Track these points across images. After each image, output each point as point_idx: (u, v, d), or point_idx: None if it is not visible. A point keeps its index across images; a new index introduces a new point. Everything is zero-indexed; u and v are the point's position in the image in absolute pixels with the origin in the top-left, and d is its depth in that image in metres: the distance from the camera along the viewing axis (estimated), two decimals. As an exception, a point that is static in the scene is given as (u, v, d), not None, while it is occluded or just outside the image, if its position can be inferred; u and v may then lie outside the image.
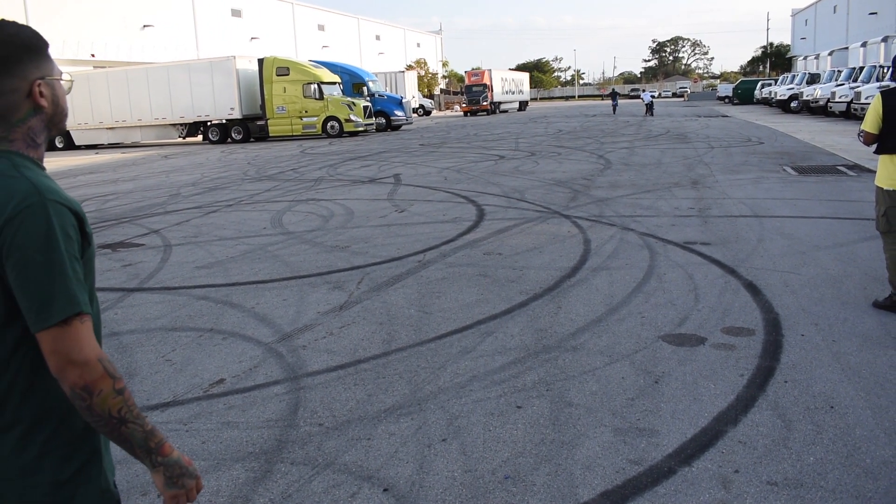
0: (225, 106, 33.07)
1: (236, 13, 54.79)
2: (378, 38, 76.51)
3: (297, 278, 7.20)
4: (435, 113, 67.02)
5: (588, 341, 5.08)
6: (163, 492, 1.56)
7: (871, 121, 5.60)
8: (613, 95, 51.21)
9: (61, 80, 1.63)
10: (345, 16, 70.80)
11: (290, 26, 60.98)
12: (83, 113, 35.38)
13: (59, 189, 1.54)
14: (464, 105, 56.21)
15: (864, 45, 35.49)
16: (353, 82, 36.89)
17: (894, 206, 5.57)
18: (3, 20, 1.57)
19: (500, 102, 57.73)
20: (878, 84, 25.25)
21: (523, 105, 65.81)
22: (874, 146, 5.70)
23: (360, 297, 6.45)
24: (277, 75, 32.41)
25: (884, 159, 5.68)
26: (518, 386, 4.38)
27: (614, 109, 47.88)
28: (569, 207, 10.55)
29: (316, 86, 32.15)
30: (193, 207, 12.39)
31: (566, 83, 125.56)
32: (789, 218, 9.21)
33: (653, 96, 44.82)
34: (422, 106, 60.43)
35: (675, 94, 64.57)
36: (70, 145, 36.44)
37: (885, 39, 32.28)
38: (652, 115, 40.71)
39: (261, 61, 32.92)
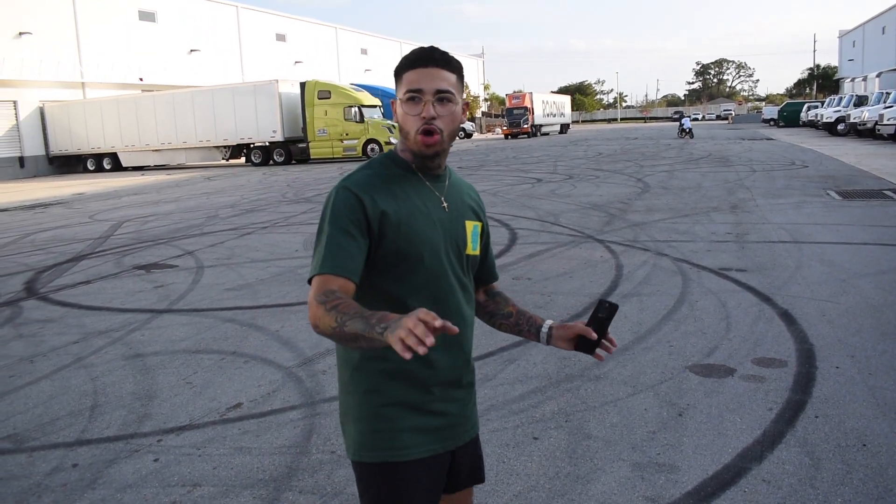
0: (267, 129, 33.60)
1: (280, 37, 55.80)
2: (420, 61, 77.12)
3: (324, 301, 7.17)
4: (476, 136, 67.24)
5: (612, 371, 4.94)
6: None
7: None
8: (681, 118, 51.27)
9: (401, 100, 1.85)
10: (387, 39, 71.62)
11: (334, 50, 61.87)
12: (130, 135, 36.31)
13: (367, 181, 1.86)
14: (504, 128, 56.28)
15: (913, 66, 34.63)
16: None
17: (936, 234, 5.35)
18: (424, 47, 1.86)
19: (540, 125, 57.69)
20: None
21: (564, 128, 65.65)
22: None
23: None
24: (319, 98, 32.86)
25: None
26: (537, 416, 4.27)
27: (682, 133, 42.84)
28: (603, 232, 10.41)
29: (357, 109, 32.49)
30: (229, 229, 12.52)
31: (608, 106, 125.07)
32: (830, 244, 8.94)
33: (694, 120, 44.03)
34: (463, 129, 60.64)
35: (719, 117, 63.73)
36: (117, 167, 37.33)
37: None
38: (692, 137, 40.91)
39: (303, 85, 33.41)
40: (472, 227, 1.96)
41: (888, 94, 31.95)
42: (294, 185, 21.62)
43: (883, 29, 61.79)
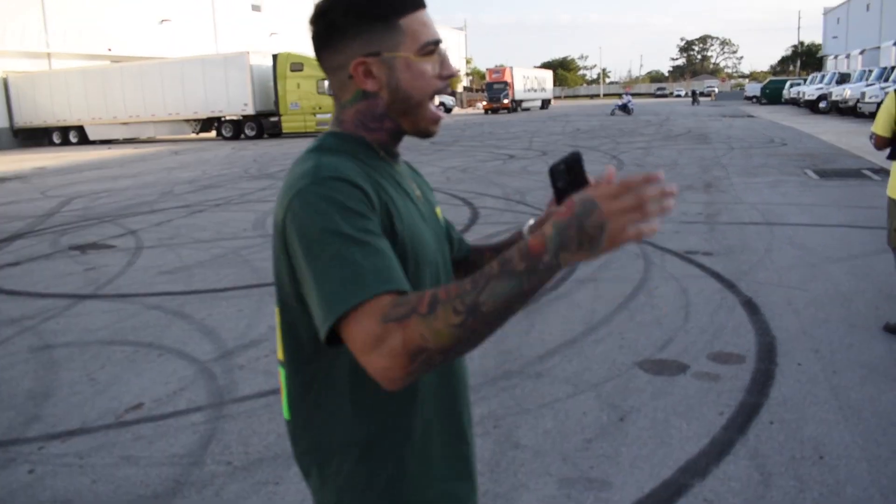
0: (238, 102, 32.73)
1: (256, 8, 54.51)
2: (400, 34, 75.97)
3: (260, 286, 6.70)
4: (457, 110, 66.43)
5: (556, 367, 4.51)
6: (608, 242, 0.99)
7: (883, 122, 4.97)
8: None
9: (413, 57, 1.25)
10: (367, 12, 70.32)
11: (311, 22, 60.63)
12: (97, 108, 35.29)
13: (350, 169, 1.19)
14: (485, 103, 55.59)
15: (895, 44, 34.36)
16: (369, 79, 36.39)
17: (908, 219, 4.95)
18: None
19: (521, 100, 57.02)
20: (907, 84, 24.29)
21: (546, 103, 65.00)
22: (886, 151, 5.07)
23: (319, 308, 5.93)
24: (291, 71, 32.00)
25: (897, 166, 5.06)
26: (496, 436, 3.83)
27: (617, 110, 44.06)
28: (568, 211, 9.95)
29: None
30: (181, 206, 11.96)
31: (592, 81, 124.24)
32: (803, 226, 8.55)
33: (630, 97, 45.74)
34: (442, 103, 59.74)
35: (701, 94, 63.45)
36: (84, 140, 36.38)
37: (917, 38, 31.18)
38: (629, 114, 41.95)
39: (275, 57, 32.53)
40: (440, 213, 1.48)
41: (870, 71, 31.62)
42: (261, 160, 21.00)
43: (867, 6, 61.46)
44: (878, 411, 3.78)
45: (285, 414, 1.33)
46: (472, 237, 8.40)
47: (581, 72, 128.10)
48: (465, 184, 13.25)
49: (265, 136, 33.52)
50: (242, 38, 49.65)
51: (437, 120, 1.31)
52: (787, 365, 4.43)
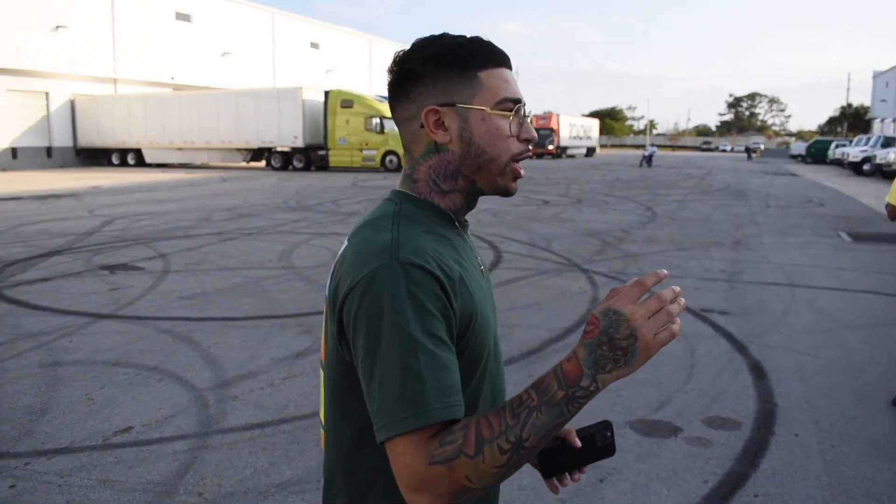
0: (289, 134, 33.47)
1: (314, 45, 55.92)
2: (453, 76, 77.00)
3: (272, 318, 6.78)
4: (503, 153, 66.77)
5: (543, 419, 4.46)
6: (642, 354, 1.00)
7: (897, 191, 4.89)
8: (749, 151, 55.65)
9: (493, 112, 1.20)
10: (421, 53, 71.52)
11: (367, 60, 61.91)
12: (155, 133, 36.43)
13: (431, 248, 1.13)
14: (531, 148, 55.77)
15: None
16: (417, 118, 36.86)
17: (923, 291, 4.82)
18: (444, 34, 1.24)
19: (566, 147, 57.16)
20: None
21: (591, 151, 65.01)
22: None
23: (324, 344, 5.97)
24: (342, 107, 32.66)
25: (913, 236, 4.94)
26: (440, 468, 3.81)
27: (642, 162, 43.97)
28: (592, 261, 9.91)
29: (378, 119, 32.25)
30: (215, 233, 12.21)
31: (639, 132, 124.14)
32: (826, 289, 8.36)
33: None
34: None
35: (747, 150, 62.83)
36: (141, 163, 37.46)
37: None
38: (650, 166, 42.08)
39: (327, 93, 33.26)
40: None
41: (923, 136, 31.01)
42: (302, 192, 21.35)
43: (921, 70, 60.55)
44: (869, 491, 3.65)
45: (324, 474, 1.31)
46: (495, 279, 8.38)
47: (628, 122, 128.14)
48: (494, 227, 13.28)
49: (312, 168, 34.12)
50: (299, 74, 51.01)
51: (517, 177, 1.24)
52: (783, 435, 4.32)
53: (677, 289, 1.00)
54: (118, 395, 4.84)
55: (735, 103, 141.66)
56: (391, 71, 1.23)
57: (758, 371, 5.46)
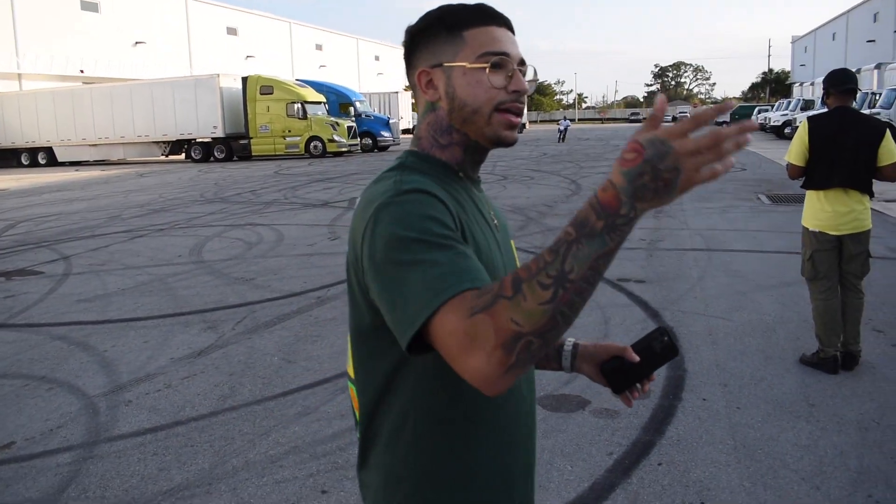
0: (208, 124, 32.53)
1: (232, 31, 54.51)
2: (377, 58, 76.25)
3: (175, 316, 6.48)
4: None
5: (450, 403, 4.33)
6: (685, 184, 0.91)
7: (797, 151, 4.87)
8: (674, 120, 52.16)
9: (473, 66, 1.24)
10: (343, 36, 70.55)
11: (287, 45, 60.71)
12: (67, 130, 34.96)
13: (433, 186, 1.17)
14: (459, 126, 55.71)
15: (857, 71, 34.86)
16: (340, 102, 36.28)
17: (822, 250, 4.84)
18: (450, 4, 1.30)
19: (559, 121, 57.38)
20: (868, 111, 24.54)
21: (521, 128, 65.33)
22: (801, 180, 4.98)
23: (228, 340, 5.72)
24: (261, 94, 31.88)
25: (810, 196, 4.96)
26: (339, 462, 3.64)
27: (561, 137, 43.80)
28: (513, 237, 9.80)
29: (300, 105, 31.61)
30: (123, 231, 11.70)
31: (568, 106, 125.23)
32: (743, 252, 8.47)
33: (569, 123, 44.27)
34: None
35: (674, 119, 64.02)
36: (53, 161, 35.95)
37: (878, 66, 31.64)
38: (563, 141, 40.36)
39: (244, 79, 32.42)
40: (514, 246, 1.45)
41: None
42: (222, 183, 20.76)
43: (833, 35, 62.59)
44: (772, 452, 3.63)
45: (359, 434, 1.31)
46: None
47: (557, 97, 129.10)
48: (418, 208, 13.08)
49: (235, 158, 33.29)
50: (218, 61, 49.64)
51: (508, 126, 1.26)
52: (691, 400, 4.29)
53: (750, 124, 0.90)
54: (2, 409, 4.52)
55: (661, 73, 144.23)
56: (403, 43, 1.32)
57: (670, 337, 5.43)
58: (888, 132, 4.72)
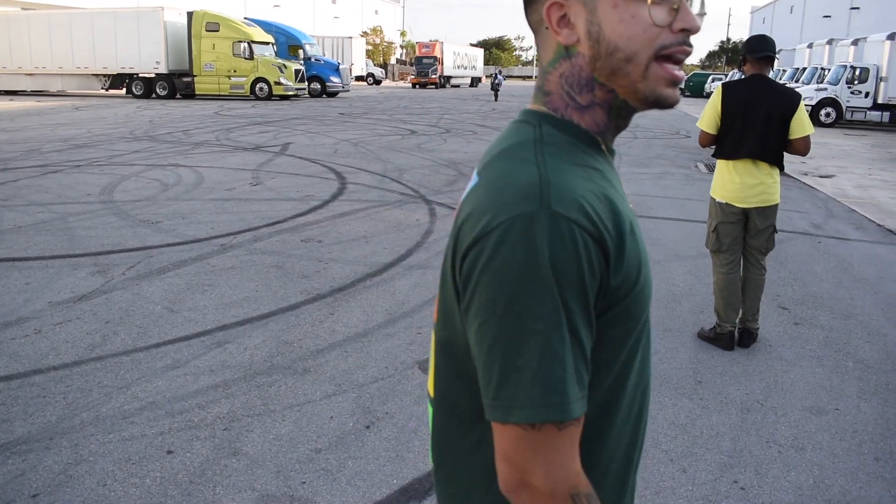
0: (150, 59, 31.31)
1: (182, -37, 52.36)
2: (334, 1, 74.37)
3: (67, 257, 6.15)
4: (386, 83, 65.56)
5: (328, 363, 4.16)
6: None
7: (709, 118, 4.72)
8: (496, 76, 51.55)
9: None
10: (300, -25, 68.54)
11: (242, -19, 58.67)
12: (2, 57, 33.35)
13: (589, 193, 0.90)
14: (412, 77, 54.92)
15: (809, 45, 35.18)
16: (290, 44, 35.29)
17: (727, 222, 4.74)
18: None
19: (450, 77, 56.63)
20: (815, 86, 24.79)
21: (476, 81, 64.75)
22: (711, 149, 4.85)
23: (115, 285, 5.44)
24: (207, 31, 30.73)
25: (720, 165, 4.83)
26: (195, 420, 3.44)
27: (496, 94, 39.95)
28: (440, 192, 9.62)
29: (246, 44, 30.59)
30: (38, 165, 11.15)
31: (527, 63, 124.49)
32: (668, 220, 8.41)
33: (502, 79, 40.71)
34: (371, 74, 58.91)
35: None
36: (-14, 89, 34.36)
37: (829, 42, 31.92)
38: (496, 99, 37.22)
39: (190, 14, 31.19)
40: None
41: (784, 71, 32.31)
42: (157, 120, 20.02)
43: (791, 8, 62.98)
44: (651, 431, 3.54)
45: (432, 460, 1.13)
46: (322, 215, 7.98)
47: (517, 52, 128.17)
48: (350, 158, 12.76)
49: (178, 96, 32.22)
50: (165, -7, 47.52)
51: (671, 81, 0.97)
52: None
53: None
54: None
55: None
56: None
57: (572, 303, 5.33)
58: (802, 104, 4.61)
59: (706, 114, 4.76)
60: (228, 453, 3.16)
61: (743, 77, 4.73)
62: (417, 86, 53.36)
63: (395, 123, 20.47)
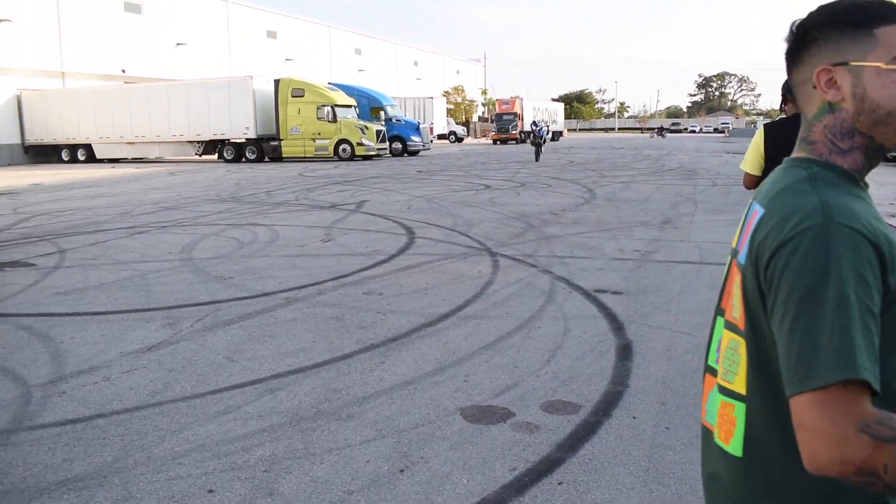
0: (241, 125, 32.97)
1: (271, 34, 55.20)
2: (416, 63, 76.55)
3: (140, 311, 6.52)
4: (468, 140, 66.58)
5: (372, 409, 4.26)
6: None
7: (752, 159, 4.69)
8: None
9: (889, 67, 1.16)
10: (382, 41, 70.98)
11: (327, 49, 61.27)
12: (105, 127, 35.73)
13: (862, 213, 1.12)
14: (493, 133, 55.60)
15: None
16: (371, 106, 36.54)
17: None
18: None
19: (530, 132, 57.01)
20: None
21: (557, 135, 64.98)
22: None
23: (183, 336, 5.73)
24: (293, 96, 32.23)
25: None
26: (239, 462, 3.60)
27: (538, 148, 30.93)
28: (505, 245, 9.72)
29: (329, 108, 31.86)
30: (127, 227, 11.87)
31: (609, 115, 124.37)
32: (734, 268, 8.23)
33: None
34: (453, 132, 60.06)
35: (716, 130, 63.08)
36: (92, 158, 36.74)
37: None
38: (539, 149, 30.44)
39: (277, 82, 32.78)
40: None
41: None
42: (243, 183, 20.97)
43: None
44: (685, 477, 3.48)
45: (737, 452, 1.25)
46: (387, 269, 8.19)
47: (598, 105, 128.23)
48: (422, 213, 13.05)
49: (266, 159, 33.66)
50: (257, 64, 50.23)
51: None
52: (620, 418, 4.15)
53: None
54: (-64, 397, 4.58)
55: (704, 84, 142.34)
56: (787, 39, 1.25)
57: (625, 352, 5.30)
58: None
59: (749, 155, 4.72)
60: (265, 493, 3.29)
61: (786, 116, 4.71)
62: (498, 142, 54.03)
63: (471, 179, 20.78)
